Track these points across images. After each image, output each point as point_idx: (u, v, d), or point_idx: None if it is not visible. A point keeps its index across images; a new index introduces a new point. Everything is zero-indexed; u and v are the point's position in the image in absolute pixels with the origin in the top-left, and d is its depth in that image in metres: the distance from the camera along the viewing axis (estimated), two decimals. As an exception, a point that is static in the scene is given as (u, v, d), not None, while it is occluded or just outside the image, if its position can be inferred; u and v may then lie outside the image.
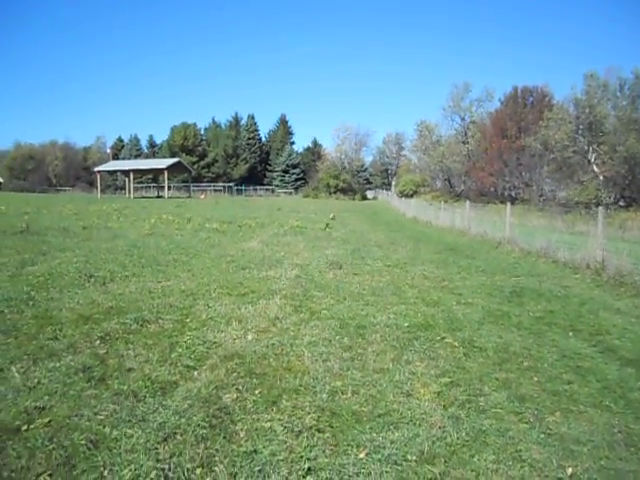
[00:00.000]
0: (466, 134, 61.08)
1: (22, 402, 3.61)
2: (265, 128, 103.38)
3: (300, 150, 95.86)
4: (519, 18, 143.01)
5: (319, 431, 3.38)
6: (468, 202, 22.56)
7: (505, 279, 9.56)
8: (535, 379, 4.50)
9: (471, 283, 8.99)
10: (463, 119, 61.53)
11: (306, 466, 2.96)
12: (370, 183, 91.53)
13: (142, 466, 2.88)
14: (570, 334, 6.02)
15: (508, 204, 17.70)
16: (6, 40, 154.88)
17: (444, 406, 3.84)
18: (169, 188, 64.30)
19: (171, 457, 2.99)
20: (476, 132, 58.79)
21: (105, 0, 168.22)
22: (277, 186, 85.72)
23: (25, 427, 3.26)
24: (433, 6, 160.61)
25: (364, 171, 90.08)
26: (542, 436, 3.44)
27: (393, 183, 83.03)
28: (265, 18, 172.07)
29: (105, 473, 2.81)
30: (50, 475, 2.78)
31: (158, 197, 61.22)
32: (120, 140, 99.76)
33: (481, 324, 6.29)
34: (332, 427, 3.45)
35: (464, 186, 59.85)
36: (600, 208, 12.36)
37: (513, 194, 48.31)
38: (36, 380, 4.01)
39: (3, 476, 2.76)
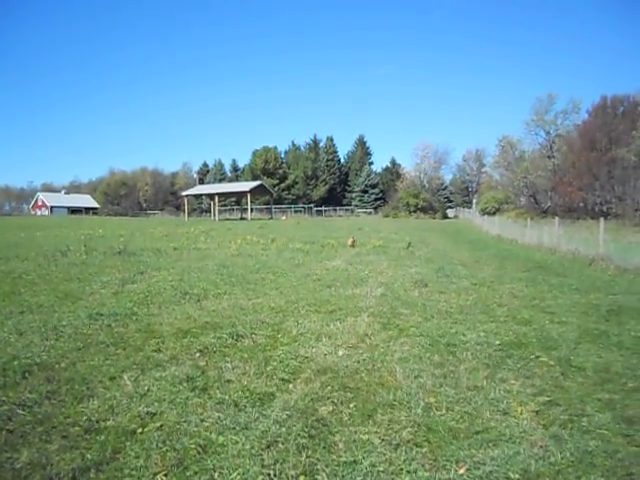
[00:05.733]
0: (551, 148, 58.44)
1: (135, 407, 3.92)
2: (344, 149, 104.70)
3: (379, 170, 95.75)
4: (600, 27, 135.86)
5: (417, 445, 3.40)
6: (557, 218, 21.67)
7: (601, 297, 9.11)
8: (642, 401, 4.27)
9: (564, 301, 8.64)
10: (548, 132, 58.87)
11: (407, 479, 2.99)
12: (450, 201, 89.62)
13: (249, 470, 3.03)
14: (679, 355, 5.65)
15: (601, 219, 16.83)
16: (103, 78, 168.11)
17: (544, 425, 3.73)
18: (252, 210, 66.22)
19: (275, 464, 3.11)
20: (562, 145, 56.16)
21: (193, 35, 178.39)
22: (356, 206, 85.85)
23: (140, 430, 3.54)
24: (512, 18, 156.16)
25: (444, 189, 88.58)
26: (656, 461, 3.26)
27: (474, 201, 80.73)
28: (345, 42, 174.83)
29: (215, 476, 2.99)
30: (166, 475, 2.99)
31: (241, 219, 63.19)
32: (205, 165, 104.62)
33: (577, 343, 6.03)
34: (429, 442, 3.45)
35: (550, 202, 57.25)
36: None
37: (604, 209, 45.61)
38: (146, 388, 4.32)
39: (124, 473, 2.99)
